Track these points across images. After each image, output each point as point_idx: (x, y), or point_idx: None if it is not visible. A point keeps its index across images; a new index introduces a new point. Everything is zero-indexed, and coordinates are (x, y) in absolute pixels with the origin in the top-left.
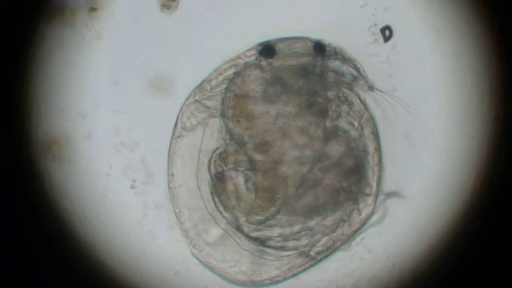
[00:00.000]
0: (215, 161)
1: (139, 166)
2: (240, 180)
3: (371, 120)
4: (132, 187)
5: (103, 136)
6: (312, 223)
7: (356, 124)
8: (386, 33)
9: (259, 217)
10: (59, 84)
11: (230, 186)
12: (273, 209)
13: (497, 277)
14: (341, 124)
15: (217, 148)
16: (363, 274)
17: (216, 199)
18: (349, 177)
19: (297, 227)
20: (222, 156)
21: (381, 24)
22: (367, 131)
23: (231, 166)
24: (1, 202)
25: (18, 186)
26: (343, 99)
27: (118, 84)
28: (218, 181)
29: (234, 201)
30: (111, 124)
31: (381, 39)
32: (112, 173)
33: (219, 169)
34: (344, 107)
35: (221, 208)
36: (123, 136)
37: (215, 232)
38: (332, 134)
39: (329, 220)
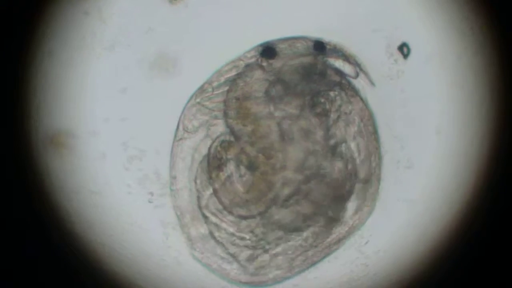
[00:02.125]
0: (216, 146)
1: (152, 176)
2: (235, 172)
3: (372, 119)
4: (150, 201)
5: (114, 153)
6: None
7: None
8: (404, 50)
9: (241, 212)
10: (62, 84)
11: (224, 175)
12: (255, 209)
13: (497, 278)
14: (341, 135)
15: (222, 134)
16: (365, 275)
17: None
18: (334, 202)
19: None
20: (224, 145)
21: (396, 43)
22: (367, 132)
23: (231, 157)
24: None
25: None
26: (345, 98)
27: (125, 91)
28: (214, 167)
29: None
30: (119, 137)
31: (400, 58)
32: (133, 191)
33: (218, 156)
34: (346, 107)
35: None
36: (131, 148)
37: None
38: (335, 149)
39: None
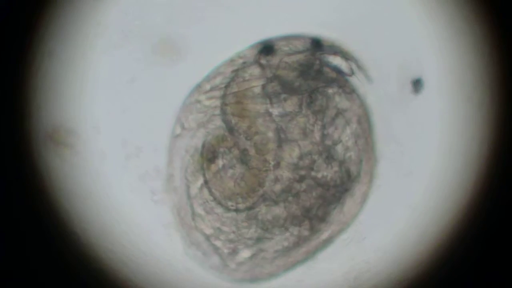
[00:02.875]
0: (210, 139)
1: (152, 172)
2: (227, 165)
3: (369, 117)
4: (153, 200)
5: (114, 151)
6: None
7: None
8: (417, 85)
9: (230, 204)
10: (63, 81)
11: (215, 167)
12: (243, 203)
13: (497, 278)
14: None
15: (217, 127)
16: (363, 274)
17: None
18: (324, 203)
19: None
20: (218, 138)
21: (413, 76)
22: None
23: (224, 150)
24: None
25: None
26: (343, 95)
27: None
28: (206, 159)
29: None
30: (119, 132)
31: (409, 89)
32: (134, 189)
33: (211, 149)
34: (344, 104)
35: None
36: (130, 145)
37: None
38: (331, 148)
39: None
